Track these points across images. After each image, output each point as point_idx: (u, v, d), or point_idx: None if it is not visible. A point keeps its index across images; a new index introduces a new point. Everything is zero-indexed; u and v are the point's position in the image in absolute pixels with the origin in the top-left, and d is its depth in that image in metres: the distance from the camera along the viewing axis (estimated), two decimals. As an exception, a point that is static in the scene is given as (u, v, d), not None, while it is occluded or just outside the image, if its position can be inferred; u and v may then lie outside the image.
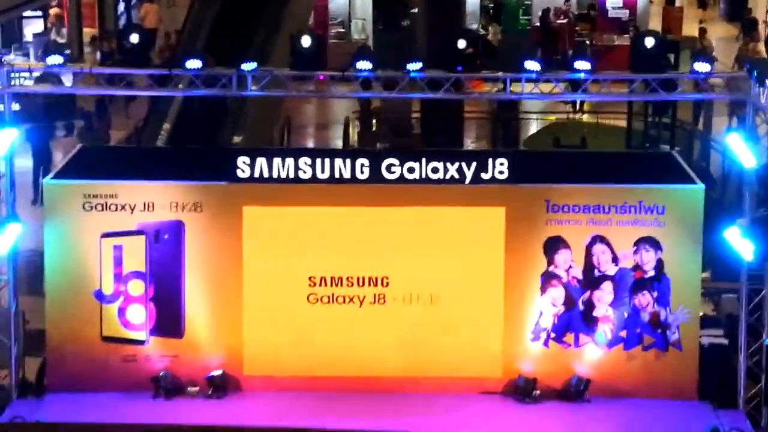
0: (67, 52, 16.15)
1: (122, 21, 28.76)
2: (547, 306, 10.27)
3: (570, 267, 10.25)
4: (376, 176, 10.28)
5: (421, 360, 10.42)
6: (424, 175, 10.25)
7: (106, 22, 28.04)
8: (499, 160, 10.30)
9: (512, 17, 29.68)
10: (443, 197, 10.25)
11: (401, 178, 10.26)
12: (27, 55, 23.78)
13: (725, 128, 10.14)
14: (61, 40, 23.89)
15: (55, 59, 10.27)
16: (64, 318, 10.36)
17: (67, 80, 10.77)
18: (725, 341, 10.63)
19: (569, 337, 10.29)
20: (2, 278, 10.61)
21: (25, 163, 17.63)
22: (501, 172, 10.22)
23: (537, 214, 10.19)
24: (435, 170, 10.23)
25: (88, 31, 26.96)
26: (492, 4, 30.05)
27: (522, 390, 10.22)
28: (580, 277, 10.27)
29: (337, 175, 10.29)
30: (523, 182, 10.31)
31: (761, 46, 26.22)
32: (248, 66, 10.17)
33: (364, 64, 10.19)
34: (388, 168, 10.25)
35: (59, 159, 16.96)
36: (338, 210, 10.29)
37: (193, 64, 10.14)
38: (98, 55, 24.48)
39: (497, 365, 10.40)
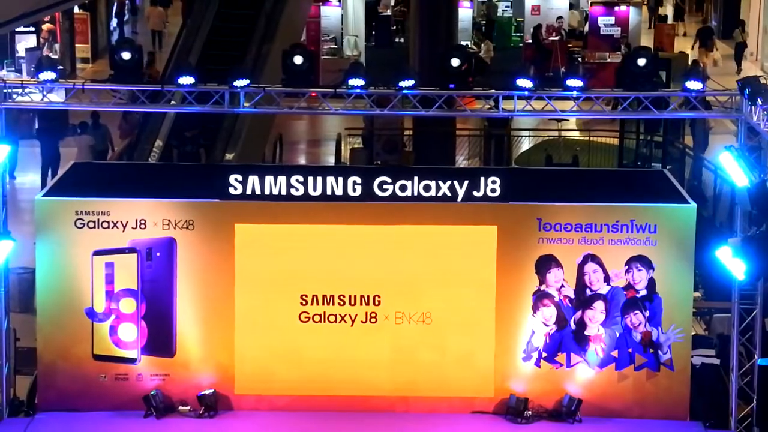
0: (60, 67, 16.19)
1: (115, 36, 28.83)
2: (539, 325, 10.24)
3: (562, 286, 10.22)
4: (368, 194, 10.26)
5: (412, 379, 10.38)
6: (416, 193, 10.22)
7: (98, 37, 28.13)
8: (491, 178, 10.29)
9: (504, 34, 29.86)
10: (435, 216, 10.23)
11: (393, 196, 10.23)
12: (19, 71, 23.85)
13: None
14: (53, 56, 23.92)
15: (47, 75, 10.27)
16: (55, 336, 10.27)
17: (60, 96, 10.81)
18: (717, 361, 10.64)
19: (561, 357, 10.25)
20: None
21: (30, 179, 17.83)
22: (493, 190, 10.21)
23: (529, 232, 10.17)
24: (427, 188, 10.22)
25: (80, 47, 27.03)
26: (484, 21, 30.22)
27: (513, 410, 10.16)
28: (572, 296, 10.24)
29: (329, 193, 10.26)
30: (515, 200, 10.30)
31: (717, 56, 26.52)
32: (241, 83, 10.17)
33: (356, 81, 10.22)
34: (380, 186, 10.23)
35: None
36: (330, 228, 10.25)
37: (186, 80, 10.16)
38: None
39: (489, 385, 10.34)
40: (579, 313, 10.27)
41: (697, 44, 27.69)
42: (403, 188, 10.22)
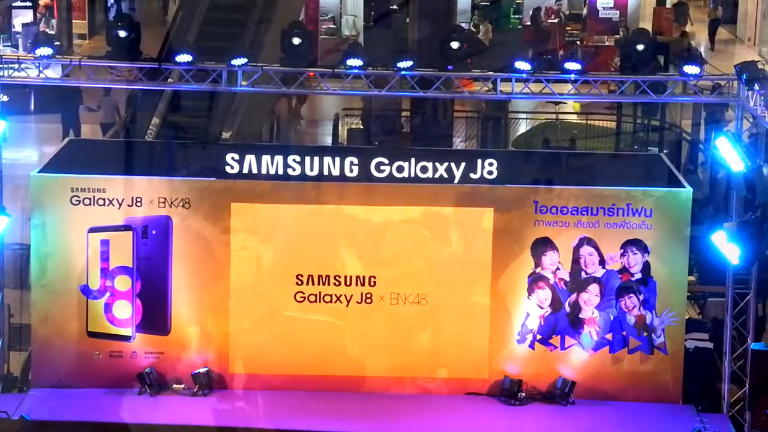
0: (57, 43, 16.07)
1: (112, 13, 28.59)
2: (534, 308, 10.28)
3: (557, 269, 10.25)
4: (365, 174, 10.28)
5: (407, 360, 10.43)
6: (413, 174, 10.27)
7: (96, 13, 27.86)
8: (488, 161, 10.34)
9: (504, 16, 29.67)
10: (432, 198, 10.25)
11: (390, 177, 10.26)
12: (16, 46, 23.64)
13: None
14: (50, 32, 23.72)
15: (44, 51, 10.20)
16: (50, 313, 10.30)
17: (56, 72, 10.75)
18: (710, 345, 10.67)
19: (555, 339, 10.31)
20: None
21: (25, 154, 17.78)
22: (490, 173, 10.26)
23: (525, 215, 10.18)
24: (424, 169, 10.25)
25: (77, 23, 26.81)
26: (484, 3, 30.04)
27: (507, 392, 10.23)
28: (567, 279, 10.27)
29: (326, 173, 10.29)
30: (512, 183, 10.32)
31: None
32: (238, 61, 10.14)
33: (354, 62, 10.19)
34: (377, 167, 10.26)
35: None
36: (327, 208, 10.27)
37: (183, 58, 10.11)
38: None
39: (483, 366, 10.41)
40: (574, 296, 10.30)
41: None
42: (399, 169, 10.25)
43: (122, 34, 10.35)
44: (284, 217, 10.30)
